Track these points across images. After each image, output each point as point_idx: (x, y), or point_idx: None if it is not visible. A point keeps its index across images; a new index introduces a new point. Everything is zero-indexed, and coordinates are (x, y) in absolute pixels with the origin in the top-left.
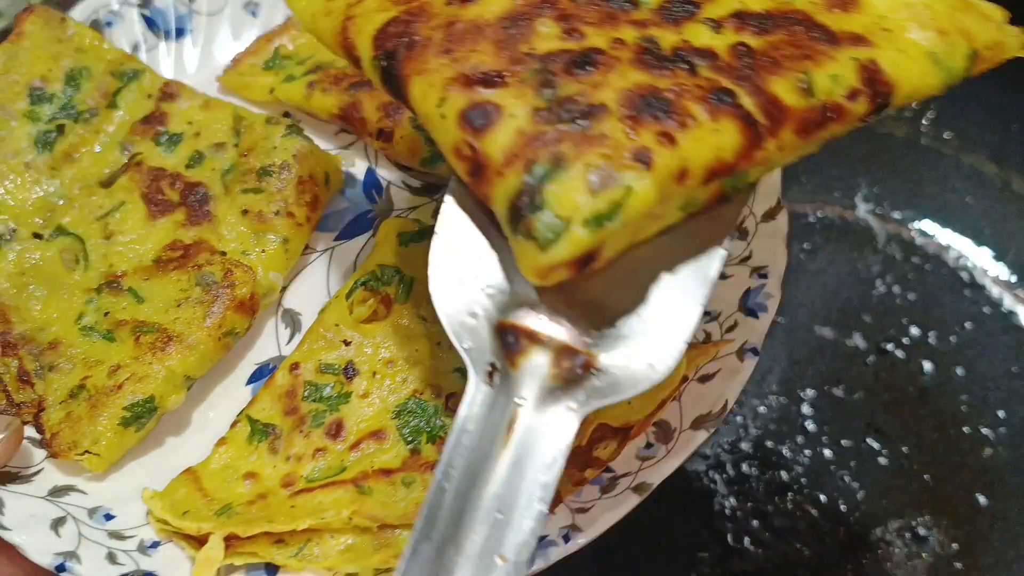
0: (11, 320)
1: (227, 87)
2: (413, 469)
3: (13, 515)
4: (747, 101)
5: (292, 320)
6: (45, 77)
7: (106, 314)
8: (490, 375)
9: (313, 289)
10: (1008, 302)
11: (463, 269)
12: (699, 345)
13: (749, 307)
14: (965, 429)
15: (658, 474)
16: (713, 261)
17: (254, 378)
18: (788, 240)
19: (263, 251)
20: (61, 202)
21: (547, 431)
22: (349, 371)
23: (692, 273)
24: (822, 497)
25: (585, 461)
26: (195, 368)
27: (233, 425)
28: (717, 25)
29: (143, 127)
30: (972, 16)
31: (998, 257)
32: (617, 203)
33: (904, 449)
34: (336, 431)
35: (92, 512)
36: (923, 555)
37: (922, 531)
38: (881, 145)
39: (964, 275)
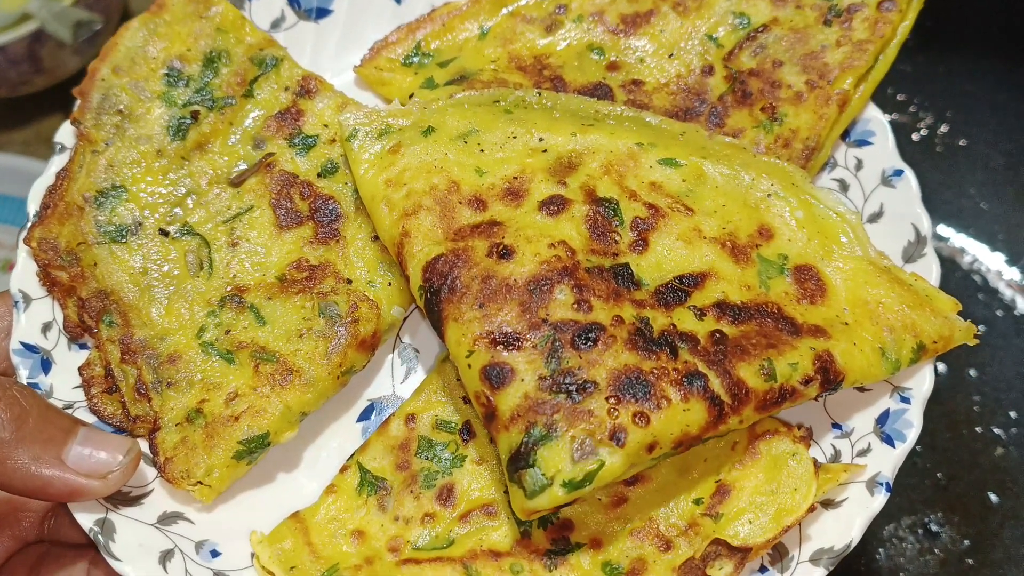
0: (132, 323)
1: (364, 79)
2: (523, 556)
3: (123, 544)
4: (716, 383)
5: (409, 357)
6: (183, 57)
7: (227, 332)
8: None
9: None
10: (1021, 305)
11: None
12: (828, 465)
13: (886, 432)
14: (977, 429)
15: None
16: None
17: (365, 415)
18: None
19: (389, 283)
20: (191, 197)
21: None
22: (465, 432)
23: None
24: None
25: None
26: (311, 405)
27: (343, 470)
28: (701, 313)
29: (278, 123)
30: (923, 312)
31: (1011, 262)
32: (591, 474)
33: (917, 448)
34: (447, 496)
35: (199, 546)
36: (935, 551)
37: (934, 527)
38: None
39: (978, 279)
